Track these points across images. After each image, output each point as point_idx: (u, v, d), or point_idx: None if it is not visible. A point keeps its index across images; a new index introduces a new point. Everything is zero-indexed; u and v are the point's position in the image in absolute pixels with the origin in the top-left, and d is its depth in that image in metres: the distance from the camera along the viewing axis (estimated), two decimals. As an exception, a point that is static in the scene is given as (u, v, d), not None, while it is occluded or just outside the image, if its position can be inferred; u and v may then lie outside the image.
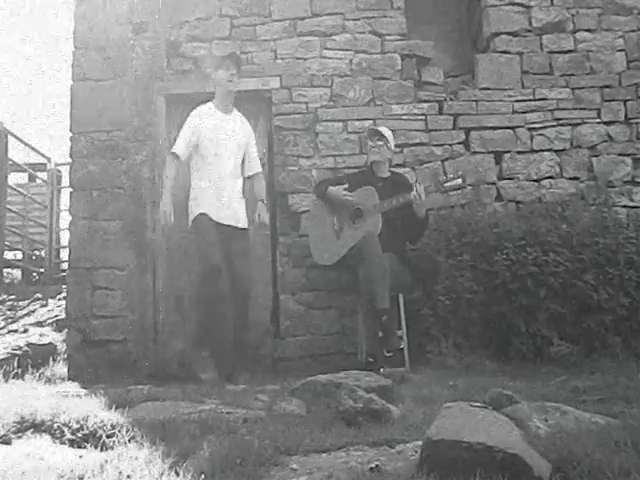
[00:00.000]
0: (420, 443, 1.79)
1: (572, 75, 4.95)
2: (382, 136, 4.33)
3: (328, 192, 4.31)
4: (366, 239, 3.99)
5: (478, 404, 1.95)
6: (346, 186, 4.28)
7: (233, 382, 3.72)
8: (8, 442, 2.10)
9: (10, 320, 6.01)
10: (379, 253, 3.90)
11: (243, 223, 4.21)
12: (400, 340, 4.05)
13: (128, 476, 1.66)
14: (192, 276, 4.45)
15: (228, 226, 4.11)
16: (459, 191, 4.37)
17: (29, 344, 4.62)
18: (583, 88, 4.93)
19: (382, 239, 4.02)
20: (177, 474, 1.65)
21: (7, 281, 7.91)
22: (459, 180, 4.15)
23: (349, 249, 4.14)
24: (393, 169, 4.51)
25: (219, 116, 4.24)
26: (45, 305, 6.42)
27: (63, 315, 5.44)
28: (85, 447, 2.10)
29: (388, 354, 3.96)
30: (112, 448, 1.99)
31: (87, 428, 2.18)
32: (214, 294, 3.97)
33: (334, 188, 4.30)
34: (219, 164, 4.16)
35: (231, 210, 4.14)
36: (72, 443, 2.13)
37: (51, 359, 4.54)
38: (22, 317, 6.10)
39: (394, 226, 4.14)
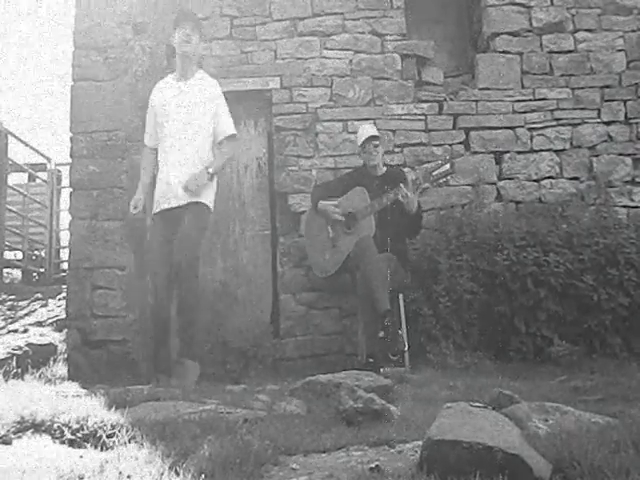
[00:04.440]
0: (420, 443, 1.79)
1: (572, 75, 4.95)
2: (378, 138, 4.31)
3: (319, 207, 4.32)
4: (361, 243, 3.97)
5: (478, 404, 1.95)
6: (336, 202, 4.25)
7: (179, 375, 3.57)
8: (8, 442, 2.10)
9: (10, 320, 6.00)
10: (375, 256, 3.87)
11: (194, 196, 3.76)
12: (404, 343, 4.04)
13: (128, 476, 1.66)
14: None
15: (177, 207, 3.78)
16: (449, 177, 4.34)
17: (29, 344, 4.62)
18: (583, 88, 4.93)
19: (379, 239, 4.01)
20: (177, 474, 1.65)
21: (7, 281, 7.90)
22: (447, 166, 4.04)
23: (346, 257, 4.12)
24: (390, 163, 4.48)
25: (174, 87, 3.95)
26: (45, 305, 6.41)
27: (63, 315, 5.44)
28: (85, 447, 2.09)
29: (394, 357, 3.92)
30: (112, 448, 1.98)
31: (87, 428, 2.17)
32: (160, 308, 3.76)
33: (324, 203, 4.29)
34: (174, 142, 3.83)
35: (180, 192, 3.77)
36: (72, 443, 2.13)
37: (51, 359, 4.53)
38: (22, 317, 6.09)
39: (391, 225, 4.11)
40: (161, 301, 3.77)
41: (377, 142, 4.29)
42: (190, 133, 3.83)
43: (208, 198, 3.82)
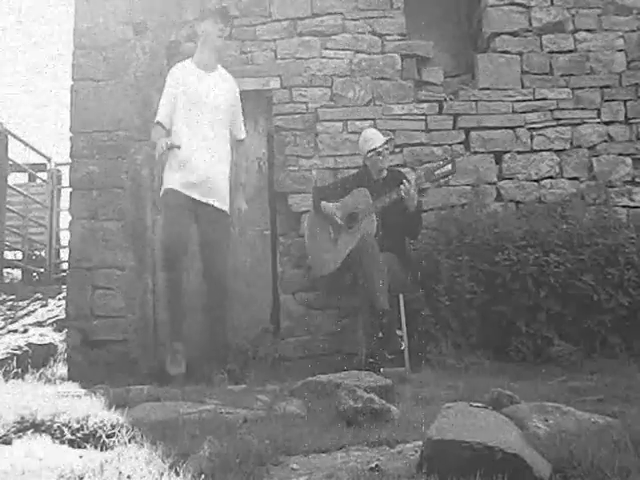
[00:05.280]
0: (420, 443, 1.79)
1: (572, 75, 4.94)
2: (389, 141, 4.33)
3: (321, 208, 4.32)
4: (362, 241, 3.97)
5: (478, 404, 1.95)
6: (338, 204, 4.25)
7: (210, 383, 3.64)
8: (8, 442, 2.10)
9: (10, 320, 6.00)
10: (376, 254, 3.88)
11: (223, 203, 3.92)
12: (401, 342, 4.04)
13: (128, 476, 1.66)
14: (192, 276, 4.43)
15: (205, 204, 3.86)
16: (450, 177, 4.34)
17: (29, 344, 4.62)
18: (583, 88, 4.93)
19: (381, 239, 4.01)
20: (177, 474, 1.65)
21: (7, 281, 7.91)
22: (449, 166, 4.06)
23: (347, 255, 4.12)
24: (390, 165, 4.48)
25: (199, 75, 3.99)
26: (45, 305, 6.42)
27: (63, 315, 5.44)
28: (85, 447, 2.10)
29: (390, 357, 3.94)
30: (112, 448, 1.99)
31: (87, 428, 2.18)
32: (173, 282, 3.76)
33: (326, 204, 4.28)
34: (197, 129, 3.88)
35: (209, 185, 3.86)
36: (72, 443, 2.13)
37: (51, 359, 4.54)
38: (22, 317, 6.10)
39: (392, 225, 4.11)
40: (177, 271, 3.80)
41: (387, 146, 4.30)
42: (218, 125, 3.97)
43: (226, 205, 4.00)
